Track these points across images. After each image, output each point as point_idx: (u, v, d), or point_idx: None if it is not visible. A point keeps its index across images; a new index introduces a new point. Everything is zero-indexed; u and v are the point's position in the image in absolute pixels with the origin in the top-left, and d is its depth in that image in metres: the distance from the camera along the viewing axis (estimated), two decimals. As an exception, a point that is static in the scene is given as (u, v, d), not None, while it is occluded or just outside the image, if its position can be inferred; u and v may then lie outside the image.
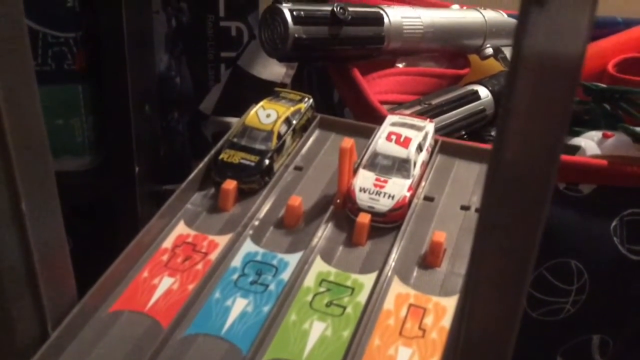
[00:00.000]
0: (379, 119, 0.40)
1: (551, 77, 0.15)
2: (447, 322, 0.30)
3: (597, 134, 0.55)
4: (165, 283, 0.32)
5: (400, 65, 0.60)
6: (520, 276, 0.18)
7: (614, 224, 0.49)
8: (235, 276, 0.32)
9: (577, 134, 0.56)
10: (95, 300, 0.31)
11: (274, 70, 0.66)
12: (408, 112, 0.52)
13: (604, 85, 0.59)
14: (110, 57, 0.50)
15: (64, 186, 0.28)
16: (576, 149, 0.54)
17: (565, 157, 0.50)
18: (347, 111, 0.55)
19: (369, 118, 0.47)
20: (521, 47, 0.15)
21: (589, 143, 0.54)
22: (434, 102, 0.54)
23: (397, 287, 0.32)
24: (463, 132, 0.55)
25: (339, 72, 0.54)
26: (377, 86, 0.56)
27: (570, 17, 0.13)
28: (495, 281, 0.18)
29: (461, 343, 0.19)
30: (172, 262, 0.33)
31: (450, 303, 0.31)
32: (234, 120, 0.67)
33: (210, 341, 0.29)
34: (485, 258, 0.18)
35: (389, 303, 0.31)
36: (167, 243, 0.34)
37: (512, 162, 0.16)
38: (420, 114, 0.52)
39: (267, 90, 0.42)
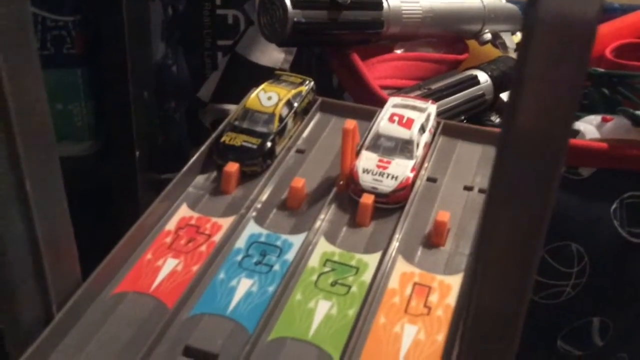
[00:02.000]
0: (379, 104, 0.40)
1: (565, 40, 0.15)
2: (452, 299, 0.30)
3: (596, 118, 0.55)
4: (170, 264, 0.32)
5: (399, 51, 0.60)
6: (530, 249, 0.18)
7: (614, 206, 0.49)
8: (239, 257, 0.32)
9: (577, 118, 0.56)
10: (99, 282, 0.30)
11: (272, 56, 0.66)
12: (410, 95, 0.52)
13: (602, 70, 0.59)
14: (109, 40, 0.49)
15: (64, 171, 0.28)
16: (575, 133, 0.55)
17: (565, 140, 0.50)
18: (346, 96, 0.55)
19: (368, 103, 0.47)
20: (536, 10, 0.15)
21: (588, 127, 0.54)
22: (434, 86, 0.54)
23: (401, 267, 0.32)
24: (463, 117, 0.55)
25: (338, 57, 0.54)
26: (376, 71, 0.55)
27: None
28: (505, 256, 0.18)
29: (470, 319, 0.19)
30: (176, 244, 0.33)
31: (454, 281, 0.31)
32: (232, 107, 0.67)
33: (216, 320, 0.29)
34: (494, 233, 0.18)
35: (393, 282, 0.31)
36: (170, 225, 0.34)
37: (525, 128, 0.16)
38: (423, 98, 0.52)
39: (265, 76, 0.42)
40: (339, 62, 0.55)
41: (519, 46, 0.16)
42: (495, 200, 0.18)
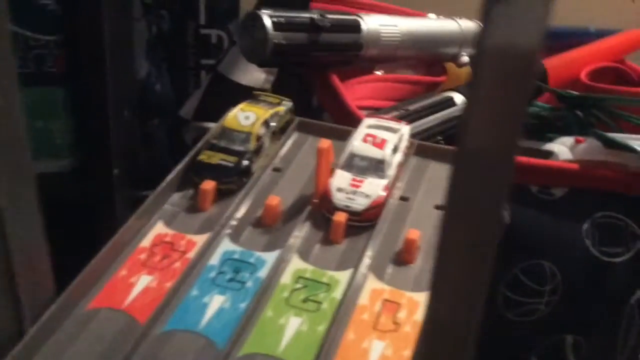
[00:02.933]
0: (357, 124, 0.41)
1: (510, 69, 0.16)
2: (419, 316, 0.30)
3: (569, 140, 0.56)
4: (143, 281, 0.32)
5: (378, 73, 0.61)
6: (482, 264, 0.19)
7: (585, 226, 0.50)
8: (213, 274, 0.33)
9: (551, 139, 0.57)
10: (73, 297, 0.31)
11: (253, 76, 0.67)
12: (386, 117, 0.53)
13: (576, 93, 0.60)
14: (89, 60, 0.50)
15: (42, 188, 0.29)
16: (549, 154, 0.56)
17: (538, 161, 0.51)
18: (326, 116, 0.56)
19: (347, 123, 0.48)
20: (484, 40, 0.16)
21: (562, 148, 0.56)
22: (411, 107, 0.55)
23: (372, 283, 0.32)
24: (439, 138, 0.56)
25: (318, 77, 0.55)
26: (355, 92, 0.56)
27: (529, 11, 0.14)
28: (459, 273, 0.19)
29: (427, 333, 0.20)
30: (150, 260, 0.33)
31: (423, 298, 0.31)
32: (213, 125, 0.68)
33: (188, 337, 0.29)
34: (449, 251, 0.19)
35: (363, 298, 0.32)
36: (146, 242, 0.34)
37: (476, 150, 0.17)
38: (398, 119, 0.53)
39: (247, 95, 0.43)
40: (318, 83, 0.56)
41: (473, 69, 0.17)
42: (450, 215, 0.19)
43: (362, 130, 0.39)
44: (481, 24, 0.16)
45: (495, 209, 0.17)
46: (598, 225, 0.50)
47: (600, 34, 0.73)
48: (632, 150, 0.50)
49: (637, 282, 0.53)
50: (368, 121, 0.40)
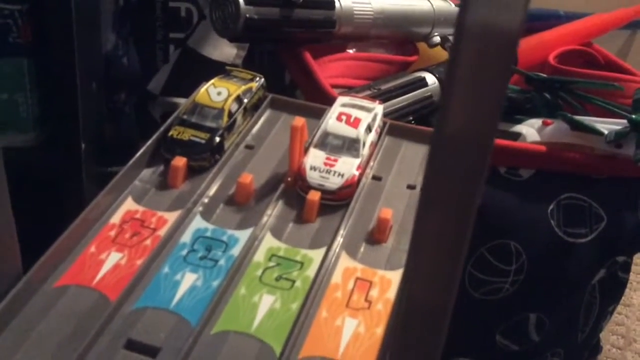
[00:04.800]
0: (330, 102, 0.41)
1: (490, 48, 0.16)
2: (392, 294, 0.31)
3: (537, 122, 0.57)
4: (113, 258, 0.31)
5: (351, 51, 0.61)
6: (457, 246, 0.19)
7: (551, 207, 0.51)
8: (184, 252, 0.32)
9: (519, 121, 0.58)
10: (41, 275, 0.30)
11: (224, 51, 0.66)
12: (358, 95, 0.53)
13: (545, 75, 0.61)
14: (56, 31, 0.48)
15: (7, 162, 0.28)
16: (517, 136, 0.57)
17: (506, 142, 0.52)
18: (298, 93, 0.55)
19: (319, 100, 0.48)
20: (464, 18, 0.16)
21: (530, 130, 0.57)
22: (383, 87, 0.55)
23: (345, 262, 0.33)
24: (410, 118, 0.56)
25: (291, 54, 0.54)
26: (328, 70, 0.56)
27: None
28: (435, 252, 0.19)
29: (402, 311, 0.20)
30: (120, 237, 0.33)
31: (395, 276, 0.32)
32: (182, 101, 0.67)
33: (159, 314, 0.29)
34: (426, 231, 0.19)
35: (336, 277, 0.32)
36: (115, 219, 0.34)
37: (455, 130, 0.17)
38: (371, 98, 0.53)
39: (217, 71, 0.42)
40: (291, 59, 0.55)
41: (451, 50, 0.17)
42: (427, 196, 0.19)
43: (336, 109, 0.39)
44: (456, 4, 0.16)
45: (472, 192, 0.17)
46: (563, 207, 0.52)
47: (571, 17, 0.74)
48: (598, 132, 0.51)
49: (600, 263, 0.54)
50: (342, 99, 0.40)
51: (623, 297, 0.66)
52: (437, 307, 0.19)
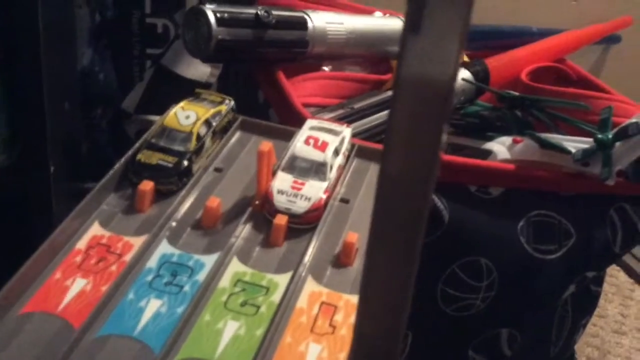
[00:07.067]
0: (302, 122, 0.41)
1: (425, 99, 0.16)
2: (355, 319, 0.31)
3: (507, 139, 0.58)
4: (78, 284, 0.32)
5: (326, 69, 0.62)
6: (405, 280, 0.19)
7: (521, 224, 0.52)
8: (150, 277, 0.32)
9: (490, 138, 0.59)
10: (6, 301, 0.30)
11: (198, 69, 0.66)
12: (331, 115, 0.54)
13: (516, 93, 0.62)
14: (24, 50, 0.48)
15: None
16: (488, 153, 0.57)
17: (476, 161, 0.53)
18: (272, 112, 0.56)
19: (292, 120, 0.48)
20: (400, 71, 0.16)
21: (500, 148, 0.57)
22: (357, 106, 0.56)
23: (310, 286, 0.33)
24: (384, 136, 0.57)
25: (264, 73, 0.55)
26: (302, 89, 0.57)
27: (441, 44, 0.15)
28: (383, 289, 0.20)
29: (356, 337, 0.21)
30: (86, 263, 0.33)
31: (359, 301, 0.32)
32: (157, 118, 0.67)
33: (123, 342, 0.29)
34: (375, 267, 0.20)
35: (302, 301, 0.32)
36: (81, 244, 0.34)
37: (396, 176, 0.18)
38: (343, 118, 0.54)
39: (191, 89, 0.42)
40: (264, 79, 0.56)
41: (391, 99, 0.17)
42: (375, 235, 0.19)
43: (304, 132, 0.39)
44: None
45: (415, 232, 0.18)
46: (533, 223, 0.52)
47: (543, 34, 0.75)
48: (565, 151, 0.52)
49: (570, 278, 0.55)
50: (310, 122, 0.40)
51: (598, 309, 0.67)
52: (386, 341, 0.19)
